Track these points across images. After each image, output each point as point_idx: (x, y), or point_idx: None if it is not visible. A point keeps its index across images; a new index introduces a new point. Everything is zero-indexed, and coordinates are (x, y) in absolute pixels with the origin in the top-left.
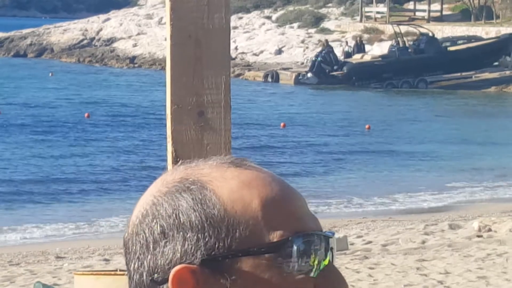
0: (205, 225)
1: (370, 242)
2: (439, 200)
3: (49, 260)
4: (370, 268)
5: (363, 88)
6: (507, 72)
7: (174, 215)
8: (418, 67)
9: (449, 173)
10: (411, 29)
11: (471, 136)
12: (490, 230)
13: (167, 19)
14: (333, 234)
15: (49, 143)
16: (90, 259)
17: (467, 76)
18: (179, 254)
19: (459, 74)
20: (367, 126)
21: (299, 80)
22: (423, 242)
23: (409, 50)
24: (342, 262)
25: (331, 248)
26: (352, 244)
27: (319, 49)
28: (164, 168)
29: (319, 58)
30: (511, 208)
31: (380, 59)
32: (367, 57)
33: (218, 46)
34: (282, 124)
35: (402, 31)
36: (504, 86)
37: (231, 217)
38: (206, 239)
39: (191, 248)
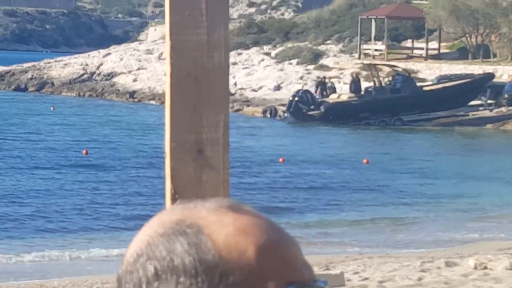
0: (199, 270)
1: (366, 278)
2: (436, 236)
3: None
4: None
5: (359, 125)
6: (504, 110)
7: (168, 258)
8: (394, 106)
9: (447, 210)
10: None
11: (469, 173)
12: (486, 267)
13: (167, 57)
14: (326, 283)
15: (45, 177)
16: None
17: (464, 114)
18: None
19: (454, 111)
20: (365, 161)
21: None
22: (420, 279)
23: (385, 89)
24: None
25: None
26: (349, 280)
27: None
28: (162, 205)
29: (296, 98)
30: (507, 246)
31: (356, 98)
32: (344, 97)
33: (217, 84)
34: (281, 159)
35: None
36: (501, 124)
37: (225, 264)
38: (199, 285)
39: None
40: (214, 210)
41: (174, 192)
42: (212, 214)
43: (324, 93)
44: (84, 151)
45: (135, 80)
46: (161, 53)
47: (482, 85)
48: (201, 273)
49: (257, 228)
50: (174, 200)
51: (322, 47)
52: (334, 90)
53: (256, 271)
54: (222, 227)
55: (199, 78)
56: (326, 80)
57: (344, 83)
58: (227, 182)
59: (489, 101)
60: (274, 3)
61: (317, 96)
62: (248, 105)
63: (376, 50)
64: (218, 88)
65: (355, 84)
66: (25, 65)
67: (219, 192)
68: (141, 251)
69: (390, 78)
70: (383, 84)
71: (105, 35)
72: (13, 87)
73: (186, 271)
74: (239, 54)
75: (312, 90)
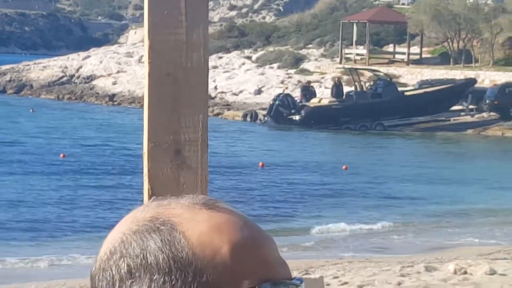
0: (173, 267)
1: (346, 283)
2: (416, 241)
3: None
4: None
5: (336, 129)
6: (485, 115)
7: (141, 255)
8: (375, 111)
9: (427, 215)
10: (391, 70)
11: (450, 178)
12: (466, 272)
13: (145, 57)
14: (302, 281)
15: (25, 178)
16: None
17: (446, 119)
18: None
19: (435, 116)
20: (344, 167)
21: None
22: (399, 283)
23: (367, 94)
24: None
25: None
26: (328, 284)
27: (298, 89)
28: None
29: (277, 102)
30: (488, 251)
31: (337, 103)
32: (324, 101)
33: (196, 84)
34: (260, 163)
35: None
36: (482, 129)
37: (199, 262)
38: (173, 282)
39: None
40: (188, 207)
41: (151, 192)
42: (186, 211)
43: (307, 97)
44: (61, 155)
45: (114, 83)
46: (141, 56)
47: (464, 90)
48: (175, 271)
49: (231, 225)
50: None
51: (303, 51)
52: (314, 95)
53: (230, 269)
54: (196, 224)
55: (177, 78)
56: (308, 85)
57: (326, 88)
58: (205, 183)
59: (471, 107)
60: (256, 7)
61: (298, 100)
62: (229, 109)
63: (357, 54)
64: (197, 88)
65: (337, 89)
66: (4, 67)
67: (197, 192)
68: (114, 248)
69: (372, 83)
70: (364, 89)
71: (84, 38)
72: None
73: (159, 269)
74: (220, 57)
75: (295, 94)
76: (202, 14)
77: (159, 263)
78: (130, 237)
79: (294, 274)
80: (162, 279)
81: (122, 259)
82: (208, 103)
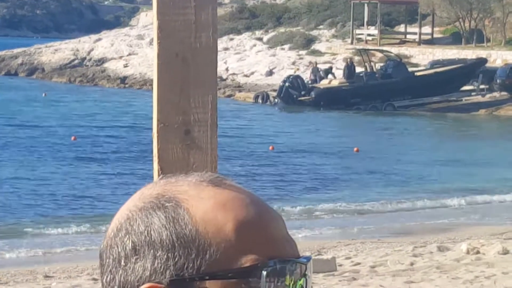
0: (176, 244)
1: (358, 263)
2: (429, 221)
3: (37, 279)
4: None
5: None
6: (496, 95)
7: (146, 232)
8: (385, 92)
9: (439, 194)
10: (402, 51)
11: (462, 158)
12: (478, 252)
13: (154, 37)
14: (309, 259)
15: (35, 161)
16: (78, 279)
17: (458, 99)
18: (148, 272)
19: (448, 96)
20: (355, 149)
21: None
22: (412, 264)
23: (377, 75)
24: (330, 284)
25: (305, 275)
26: (340, 265)
27: (309, 70)
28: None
29: (286, 84)
30: (500, 231)
31: (347, 84)
32: (334, 82)
33: (205, 65)
34: (270, 147)
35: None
36: (494, 109)
37: (202, 238)
38: (176, 259)
39: (161, 267)
40: (194, 184)
41: (161, 173)
42: (192, 188)
43: (317, 79)
44: (72, 138)
45: (126, 66)
46: (152, 39)
47: (474, 70)
48: (178, 247)
49: (237, 202)
50: None
51: (314, 32)
52: (326, 75)
53: (234, 246)
54: (201, 201)
55: (186, 58)
56: (320, 66)
57: (337, 68)
58: (215, 163)
59: (482, 86)
60: None
61: (310, 82)
62: (240, 91)
63: (369, 35)
64: (206, 69)
65: (349, 69)
66: (15, 50)
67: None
68: (120, 225)
69: (383, 64)
70: (375, 70)
71: (96, 21)
72: (3, 72)
73: (163, 245)
74: (231, 39)
75: (307, 75)
76: None
77: (162, 240)
78: (136, 214)
79: (307, 254)
80: (165, 256)
81: (127, 236)
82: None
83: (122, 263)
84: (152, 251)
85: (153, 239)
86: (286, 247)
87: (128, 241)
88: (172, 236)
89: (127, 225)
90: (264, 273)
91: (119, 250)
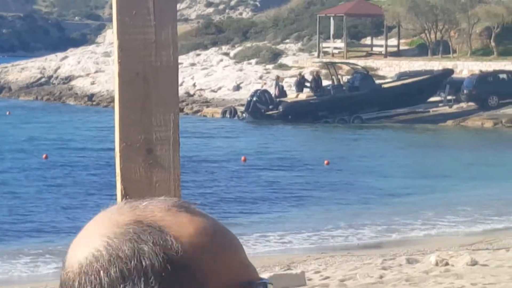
0: (168, 270)
1: (328, 277)
2: (398, 234)
3: None
4: None
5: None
6: (464, 106)
7: (135, 259)
8: (353, 104)
9: (406, 207)
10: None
11: (430, 169)
12: (447, 264)
13: (115, 57)
14: (270, 282)
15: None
16: None
17: (425, 110)
18: None
19: (415, 108)
20: (326, 162)
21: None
22: (381, 277)
23: (344, 88)
24: None
25: None
26: (309, 279)
27: (275, 84)
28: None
29: (254, 98)
30: (469, 242)
31: (315, 97)
32: (302, 96)
33: (166, 83)
34: (242, 158)
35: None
36: (461, 120)
37: (192, 264)
38: (168, 285)
39: None
40: (166, 211)
41: (124, 192)
42: (167, 215)
43: (301, 89)
44: (44, 156)
45: (93, 83)
46: None
47: (441, 81)
48: (170, 273)
49: (212, 228)
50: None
51: (281, 46)
52: (301, 87)
53: (216, 271)
54: (183, 227)
55: (147, 77)
56: (279, 81)
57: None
58: (178, 181)
59: (449, 97)
60: (232, 3)
61: (275, 96)
62: (208, 106)
63: (335, 48)
64: (167, 87)
65: (315, 83)
66: None
67: (170, 191)
68: (99, 252)
69: (350, 77)
70: (342, 83)
71: (62, 38)
72: None
73: (154, 272)
74: (198, 55)
75: (272, 90)
76: (171, 13)
77: (154, 266)
78: (118, 241)
79: (276, 269)
80: (158, 283)
81: (111, 263)
82: (187, 100)
83: None
84: (143, 277)
85: (143, 266)
86: (251, 271)
87: (114, 269)
88: (164, 262)
89: (110, 251)
90: None
91: (101, 276)
